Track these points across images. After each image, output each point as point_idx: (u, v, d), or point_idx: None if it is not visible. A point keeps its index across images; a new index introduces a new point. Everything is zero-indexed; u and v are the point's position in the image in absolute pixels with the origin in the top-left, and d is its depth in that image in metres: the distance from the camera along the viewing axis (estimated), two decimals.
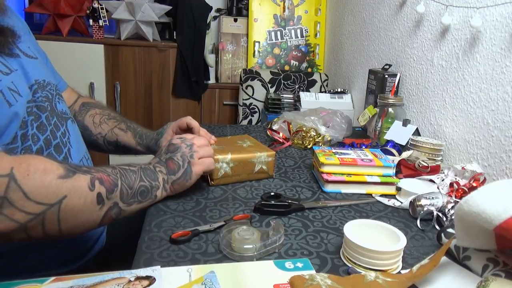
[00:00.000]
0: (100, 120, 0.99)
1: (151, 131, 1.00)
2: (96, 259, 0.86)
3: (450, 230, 0.69)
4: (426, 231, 0.76)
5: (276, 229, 0.67)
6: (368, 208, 0.84)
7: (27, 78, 0.74)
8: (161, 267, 0.58)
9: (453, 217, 0.75)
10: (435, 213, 0.77)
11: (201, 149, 0.79)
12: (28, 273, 0.72)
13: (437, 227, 0.76)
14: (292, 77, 2.15)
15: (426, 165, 0.96)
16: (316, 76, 2.16)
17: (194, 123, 0.93)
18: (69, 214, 0.59)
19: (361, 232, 0.64)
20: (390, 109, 1.25)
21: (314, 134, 1.20)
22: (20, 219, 0.54)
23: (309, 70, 2.33)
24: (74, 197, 0.59)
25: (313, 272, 0.59)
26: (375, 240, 0.64)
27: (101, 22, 2.13)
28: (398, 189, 0.90)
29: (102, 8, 2.12)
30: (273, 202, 0.79)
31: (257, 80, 2.12)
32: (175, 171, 0.76)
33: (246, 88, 2.12)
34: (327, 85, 2.17)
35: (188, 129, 0.94)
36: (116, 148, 1.00)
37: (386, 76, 1.34)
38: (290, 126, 1.24)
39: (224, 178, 0.89)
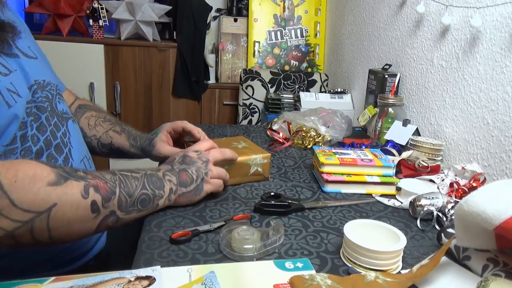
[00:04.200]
0: (95, 123, 0.98)
1: (145, 133, 0.99)
2: (96, 259, 0.86)
3: (450, 230, 0.69)
4: (426, 231, 0.76)
5: (276, 229, 0.67)
6: (368, 208, 0.84)
7: (27, 79, 0.73)
8: (161, 267, 0.58)
9: (453, 217, 0.75)
10: (435, 213, 0.77)
11: (216, 170, 0.78)
12: (28, 273, 0.72)
13: (437, 227, 0.76)
14: (292, 77, 2.15)
15: (426, 165, 0.96)
16: (316, 76, 2.16)
17: (191, 127, 0.92)
18: (60, 222, 0.57)
19: (361, 232, 0.64)
20: (390, 109, 1.25)
21: (314, 134, 1.20)
22: (7, 226, 0.52)
23: (309, 70, 2.33)
24: (65, 205, 0.56)
25: (313, 272, 0.59)
26: (375, 240, 0.64)
27: (101, 22, 2.13)
28: (398, 189, 0.90)
29: (102, 8, 2.12)
30: (273, 202, 0.79)
31: (257, 80, 2.12)
32: (187, 184, 0.74)
33: (246, 88, 2.12)
34: (327, 85, 2.17)
35: (184, 132, 0.93)
36: (110, 151, 0.98)
37: (386, 76, 1.34)
38: (290, 126, 1.24)
39: None
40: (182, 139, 0.98)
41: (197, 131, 0.92)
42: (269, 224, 0.72)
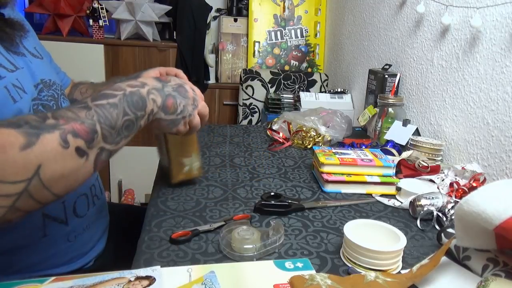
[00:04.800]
0: (87, 90, 0.97)
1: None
2: (97, 260, 0.86)
3: (450, 230, 0.69)
4: (426, 231, 0.76)
5: (276, 229, 0.67)
6: (368, 208, 0.84)
7: (33, 77, 0.74)
8: (161, 267, 0.58)
9: (453, 217, 0.75)
10: (435, 213, 0.77)
11: (196, 119, 0.73)
12: (28, 272, 0.72)
13: (437, 227, 0.76)
14: (292, 77, 2.15)
15: (426, 165, 0.96)
16: (316, 76, 2.16)
17: (185, 77, 0.87)
18: (54, 179, 0.54)
19: (361, 232, 0.64)
20: (390, 109, 1.25)
21: (314, 134, 1.20)
22: (4, 203, 0.50)
23: (309, 70, 2.33)
24: (49, 162, 0.52)
25: (313, 272, 0.59)
26: (375, 240, 0.64)
27: (101, 22, 2.13)
28: (398, 189, 0.90)
29: (102, 8, 2.11)
30: (273, 202, 0.79)
31: (257, 80, 2.12)
32: (168, 112, 0.68)
33: (246, 88, 2.12)
34: (327, 85, 2.17)
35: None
36: None
37: (386, 76, 1.34)
38: (290, 126, 1.24)
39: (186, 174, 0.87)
40: None
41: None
42: (269, 224, 0.72)
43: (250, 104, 2.13)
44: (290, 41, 2.31)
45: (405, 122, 1.19)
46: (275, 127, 1.27)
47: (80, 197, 0.80)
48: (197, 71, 2.23)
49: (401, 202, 0.86)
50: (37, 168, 0.51)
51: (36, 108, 0.72)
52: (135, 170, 2.24)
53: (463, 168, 0.93)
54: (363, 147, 1.15)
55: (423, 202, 0.79)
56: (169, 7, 2.20)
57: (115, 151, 0.62)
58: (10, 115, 0.65)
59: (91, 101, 0.58)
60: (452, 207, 0.78)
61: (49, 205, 0.62)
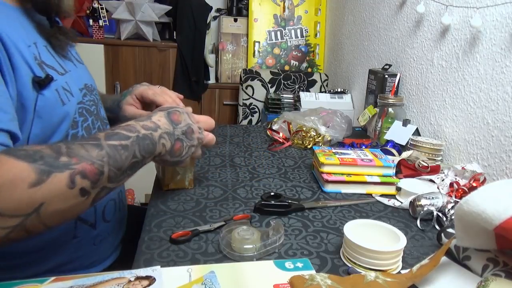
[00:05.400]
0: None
1: (115, 95, 0.97)
2: (112, 266, 0.86)
3: (450, 230, 0.69)
4: (426, 231, 0.76)
5: (276, 229, 0.67)
6: (368, 208, 0.84)
7: (78, 81, 0.77)
8: (161, 267, 0.58)
9: (453, 217, 0.75)
10: (435, 213, 0.77)
11: (198, 152, 0.76)
12: (54, 273, 0.72)
13: (437, 227, 0.76)
14: (292, 77, 2.15)
15: (426, 165, 0.96)
16: (316, 76, 2.16)
17: (164, 101, 0.87)
18: (52, 215, 0.55)
19: (361, 232, 0.64)
20: (390, 109, 1.25)
21: (314, 134, 1.20)
22: None
23: (309, 70, 2.33)
24: (53, 201, 0.53)
25: (313, 272, 0.59)
26: (375, 240, 0.64)
27: (101, 22, 2.13)
28: (398, 189, 0.90)
29: (102, 8, 2.12)
30: (273, 202, 0.79)
31: (257, 80, 2.12)
32: (175, 155, 0.70)
33: (246, 88, 2.12)
34: (327, 85, 2.17)
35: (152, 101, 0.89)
36: None
37: (386, 76, 1.34)
38: (290, 126, 1.24)
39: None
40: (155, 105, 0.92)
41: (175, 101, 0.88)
42: (269, 224, 0.72)
43: (250, 104, 2.13)
44: (290, 41, 2.31)
45: (405, 122, 1.19)
46: (275, 127, 1.27)
47: (109, 202, 0.81)
48: (197, 71, 2.23)
49: (401, 202, 0.86)
50: (39, 206, 0.52)
51: (81, 112, 0.75)
52: None
53: (463, 168, 0.93)
54: (363, 147, 1.15)
55: (423, 202, 0.79)
56: (169, 7, 2.20)
57: (114, 189, 0.62)
58: (59, 117, 0.69)
59: (105, 139, 0.59)
60: (452, 207, 0.78)
61: None
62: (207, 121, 0.79)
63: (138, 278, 0.54)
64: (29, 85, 0.63)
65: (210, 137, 0.77)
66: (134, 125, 0.64)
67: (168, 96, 0.89)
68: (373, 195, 0.90)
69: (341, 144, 1.21)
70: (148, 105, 0.92)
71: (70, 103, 0.71)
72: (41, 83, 0.64)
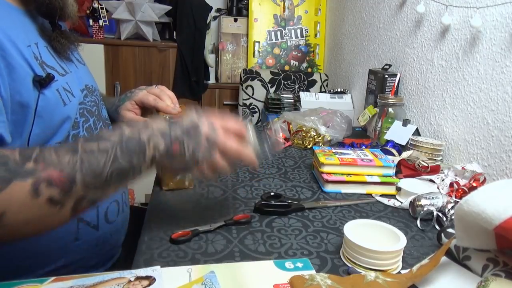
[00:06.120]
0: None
1: (113, 97, 0.97)
2: (113, 267, 0.86)
3: (450, 230, 0.69)
4: (426, 231, 0.76)
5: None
6: (368, 208, 0.84)
7: (79, 82, 0.77)
8: (161, 267, 0.58)
9: (453, 217, 0.75)
10: (435, 213, 0.77)
11: (221, 162, 0.61)
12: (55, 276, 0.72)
13: (437, 227, 0.76)
14: (292, 77, 2.15)
15: (426, 165, 0.96)
16: (316, 76, 2.16)
17: (164, 108, 0.83)
18: (18, 227, 0.51)
19: (361, 232, 0.64)
20: (390, 109, 1.25)
21: (314, 134, 1.20)
22: None
23: (309, 70, 2.33)
24: (14, 211, 0.50)
25: (313, 272, 0.59)
26: (375, 240, 0.64)
27: (101, 22, 2.13)
28: (398, 189, 0.90)
29: (102, 8, 2.11)
30: (273, 202, 0.79)
31: (257, 80, 2.12)
32: (174, 158, 0.59)
33: (246, 88, 2.12)
34: (327, 85, 2.16)
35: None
36: None
37: (386, 76, 1.34)
38: (290, 126, 1.24)
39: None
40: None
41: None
42: (270, 224, 0.72)
43: (250, 104, 2.13)
44: (290, 41, 2.31)
45: (405, 122, 1.19)
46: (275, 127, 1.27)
47: (112, 203, 0.81)
48: (197, 71, 2.23)
49: (401, 202, 0.86)
50: (0, 215, 0.49)
51: (82, 112, 0.75)
52: None
53: (463, 168, 0.93)
54: (363, 147, 1.15)
55: (423, 202, 0.79)
56: (169, 7, 2.20)
57: (103, 199, 0.58)
58: (60, 118, 0.69)
59: (83, 143, 0.55)
60: (452, 207, 0.78)
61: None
62: (234, 125, 0.63)
63: (138, 278, 0.54)
64: (29, 84, 0.63)
65: (228, 145, 0.60)
66: (121, 126, 0.58)
67: (166, 97, 0.87)
68: (373, 195, 0.90)
69: (341, 144, 1.21)
70: (148, 110, 0.91)
71: (71, 103, 0.71)
72: (42, 82, 0.64)
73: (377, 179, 0.90)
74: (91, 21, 2.13)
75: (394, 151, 1.08)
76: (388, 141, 1.13)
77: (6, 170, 0.50)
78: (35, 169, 0.51)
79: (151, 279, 0.54)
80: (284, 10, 2.28)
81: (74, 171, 0.53)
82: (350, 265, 0.62)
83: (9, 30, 0.62)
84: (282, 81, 2.14)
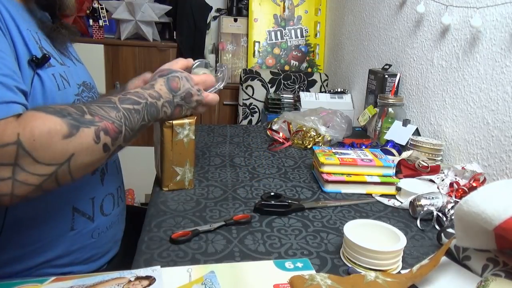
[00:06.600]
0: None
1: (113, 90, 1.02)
2: (109, 263, 0.86)
3: (450, 230, 0.69)
4: (426, 231, 0.76)
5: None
6: (368, 208, 0.84)
7: (77, 77, 0.79)
8: (161, 267, 0.58)
9: (453, 217, 0.75)
10: (435, 213, 0.77)
11: (201, 109, 0.83)
12: (51, 268, 0.73)
13: (437, 227, 0.76)
14: (292, 77, 2.15)
15: (426, 165, 0.96)
16: (316, 76, 2.16)
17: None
18: (79, 167, 0.61)
19: (361, 232, 0.64)
20: (390, 109, 1.25)
21: (314, 134, 1.20)
22: (35, 182, 0.57)
23: (309, 70, 2.33)
24: (81, 154, 0.60)
25: (313, 272, 0.59)
26: (375, 240, 0.64)
27: (101, 22, 2.13)
28: (398, 189, 0.90)
29: (102, 8, 2.12)
30: (273, 202, 0.79)
31: (257, 80, 2.12)
32: (174, 116, 0.79)
33: (246, 88, 2.12)
34: (327, 85, 2.17)
35: None
36: None
37: (386, 76, 1.34)
38: (290, 126, 1.24)
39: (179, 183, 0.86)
40: None
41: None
42: (269, 224, 0.72)
43: (250, 104, 2.13)
44: (290, 41, 2.31)
45: (405, 122, 1.19)
46: (275, 127, 1.27)
47: (108, 196, 0.81)
48: None
49: (401, 202, 0.86)
50: (70, 156, 0.59)
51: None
52: (135, 170, 2.24)
53: (463, 168, 0.93)
54: (363, 147, 1.15)
55: (423, 202, 0.79)
56: (169, 7, 2.20)
57: (124, 146, 0.70)
58: (52, 103, 0.69)
59: (119, 103, 0.67)
60: (452, 207, 0.78)
61: (79, 202, 0.75)
62: (206, 80, 0.85)
63: (138, 278, 0.54)
64: (25, 64, 0.65)
65: (210, 97, 0.84)
66: (142, 92, 0.72)
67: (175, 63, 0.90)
68: (373, 195, 0.90)
69: (341, 144, 1.21)
70: None
71: (66, 91, 0.72)
72: (37, 63, 0.66)
73: (377, 179, 0.90)
74: (91, 21, 2.13)
75: (394, 151, 1.08)
76: (388, 141, 1.13)
77: (73, 119, 0.60)
78: (94, 120, 0.62)
79: (151, 279, 0.54)
80: (284, 10, 2.28)
81: (121, 124, 0.66)
82: (350, 265, 0.62)
83: (12, 12, 0.65)
84: (282, 81, 2.14)
